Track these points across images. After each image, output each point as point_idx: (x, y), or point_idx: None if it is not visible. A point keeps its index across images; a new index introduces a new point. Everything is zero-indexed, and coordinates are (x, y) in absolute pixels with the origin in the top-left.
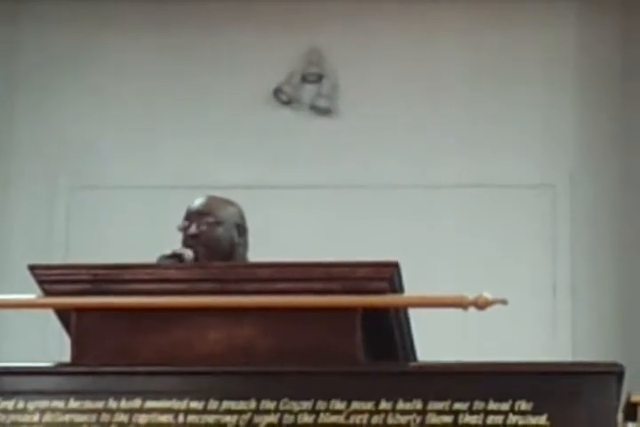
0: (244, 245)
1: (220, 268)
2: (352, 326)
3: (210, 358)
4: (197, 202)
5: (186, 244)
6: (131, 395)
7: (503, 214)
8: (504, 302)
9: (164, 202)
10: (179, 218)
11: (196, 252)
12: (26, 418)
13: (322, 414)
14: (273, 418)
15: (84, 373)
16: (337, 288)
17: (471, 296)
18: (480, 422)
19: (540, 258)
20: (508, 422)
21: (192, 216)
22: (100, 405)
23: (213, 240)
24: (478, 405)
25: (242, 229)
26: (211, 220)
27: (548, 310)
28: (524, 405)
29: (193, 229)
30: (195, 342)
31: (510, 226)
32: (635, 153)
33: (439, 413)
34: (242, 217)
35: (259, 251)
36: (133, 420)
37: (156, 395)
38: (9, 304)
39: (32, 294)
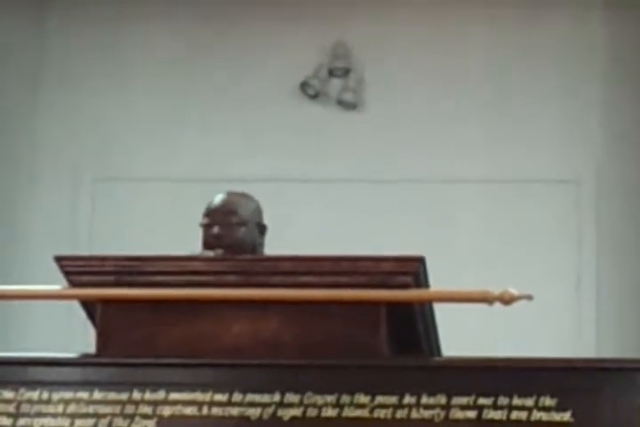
0: (263, 244)
1: (245, 260)
2: (377, 320)
3: (234, 350)
4: (219, 199)
5: (207, 242)
6: (155, 387)
7: (528, 209)
8: (529, 297)
9: (189, 194)
10: (201, 210)
11: (217, 253)
12: (50, 409)
13: (346, 408)
14: (297, 411)
15: (108, 364)
16: (362, 282)
17: (496, 291)
18: (504, 417)
19: (564, 253)
20: (532, 417)
21: (214, 214)
22: (124, 396)
23: (237, 242)
24: (502, 400)
25: (262, 228)
26: (234, 220)
27: (573, 306)
28: (548, 401)
29: (216, 230)
30: (219, 334)
31: (535, 221)
32: None
33: (463, 408)
34: (261, 213)
35: (282, 244)
36: (157, 412)
37: (180, 387)
38: (35, 295)
39: (57, 285)
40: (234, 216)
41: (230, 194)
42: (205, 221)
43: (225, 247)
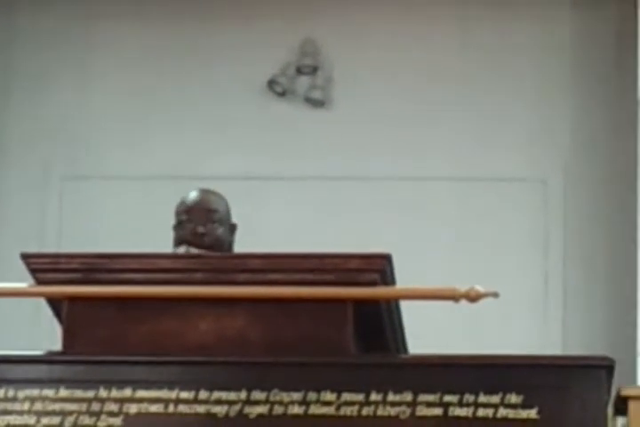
0: (232, 243)
1: (212, 258)
2: (343, 317)
3: (201, 348)
4: (195, 196)
5: (182, 238)
6: (121, 384)
7: (495, 207)
8: (495, 294)
9: (158, 192)
10: (171, 208)
11: (200, 251)
12: (16, 406)
13: (312, 406)
14: (263, 409)
15: (74, 361)
16: (328, 279)
17: (463, 289)
18: (470, 414)
19: (532, 251)
20: (498, 415)
21: (194, 212)
22: (90, 394)
23: (218, 241)
24: (468, 397)
25: (232, 227)
26: (216, 218)
27: (540, 303)
28: (514, 398)
29: (201, 229)
30: (186, 332)
31: (502, 219)
32: (628, 148)
33: (429, 405)
34: (230, 212)
35: (249, 242)
36: (124, 409)
37: (147, 385)
38: (1, 293)
39: (24, 282)
40: (215, 214)
41: (205, 192)
42: (184, 217)
43: (207, 246)
